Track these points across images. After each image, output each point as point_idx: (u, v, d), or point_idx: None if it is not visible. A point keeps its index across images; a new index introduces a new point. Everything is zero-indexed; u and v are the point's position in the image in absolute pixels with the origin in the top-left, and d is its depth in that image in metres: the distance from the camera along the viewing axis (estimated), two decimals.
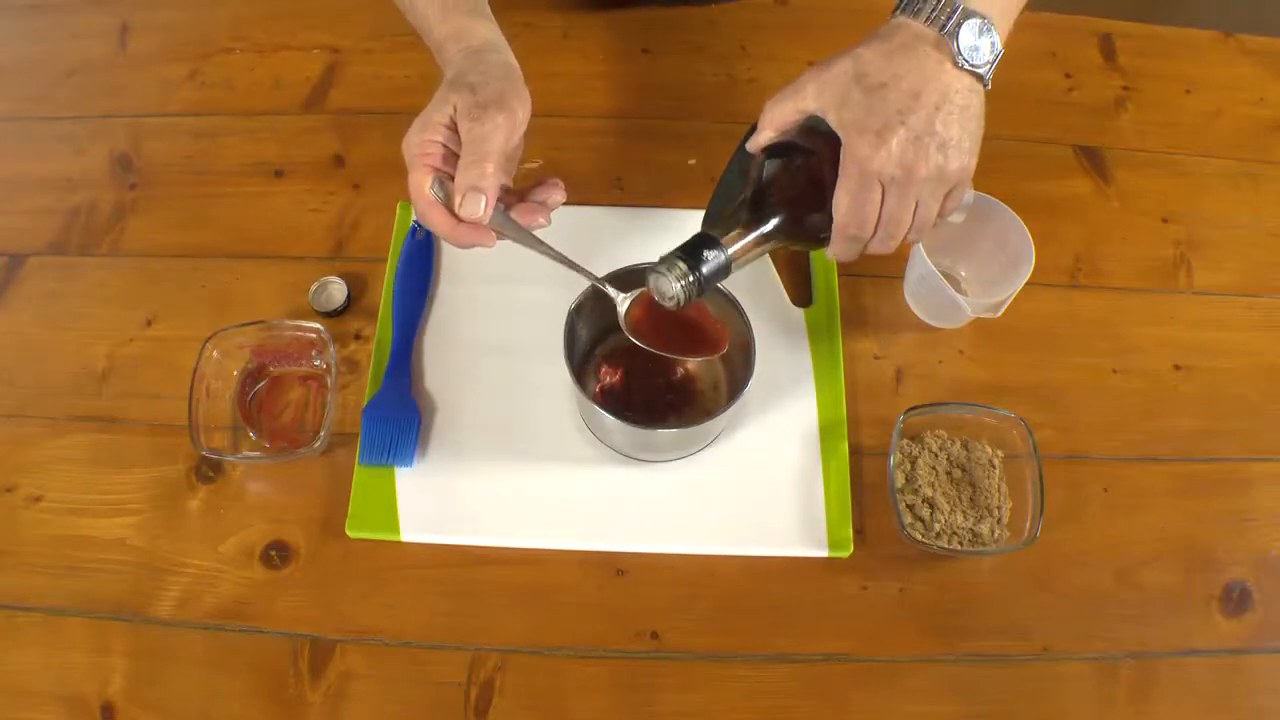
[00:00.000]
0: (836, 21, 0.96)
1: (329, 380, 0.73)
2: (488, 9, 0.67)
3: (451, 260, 0.80)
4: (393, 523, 0.69)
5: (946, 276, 0.77)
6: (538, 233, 0.62)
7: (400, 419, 0.72)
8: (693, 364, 0.75)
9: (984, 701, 0.66)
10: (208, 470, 0.72)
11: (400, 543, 0.69)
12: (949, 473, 0.72)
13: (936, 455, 0.72)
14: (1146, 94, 0.93)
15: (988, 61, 0.58)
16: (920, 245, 0.73)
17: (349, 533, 0.69)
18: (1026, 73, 0.94)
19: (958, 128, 0.58)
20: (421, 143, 0.60)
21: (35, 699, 0.65)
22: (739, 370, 0.69)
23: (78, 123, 0.88)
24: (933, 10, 0.57)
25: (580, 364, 0.73)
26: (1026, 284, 0.72)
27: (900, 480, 0.71)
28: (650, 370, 0.73)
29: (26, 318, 0.79)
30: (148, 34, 0.94)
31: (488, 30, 0.66)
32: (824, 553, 0.69)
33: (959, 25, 0.56)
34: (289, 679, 0.65)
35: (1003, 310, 0.74)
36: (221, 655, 0.66)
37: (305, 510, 0.71)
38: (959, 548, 0.69)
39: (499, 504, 0.70)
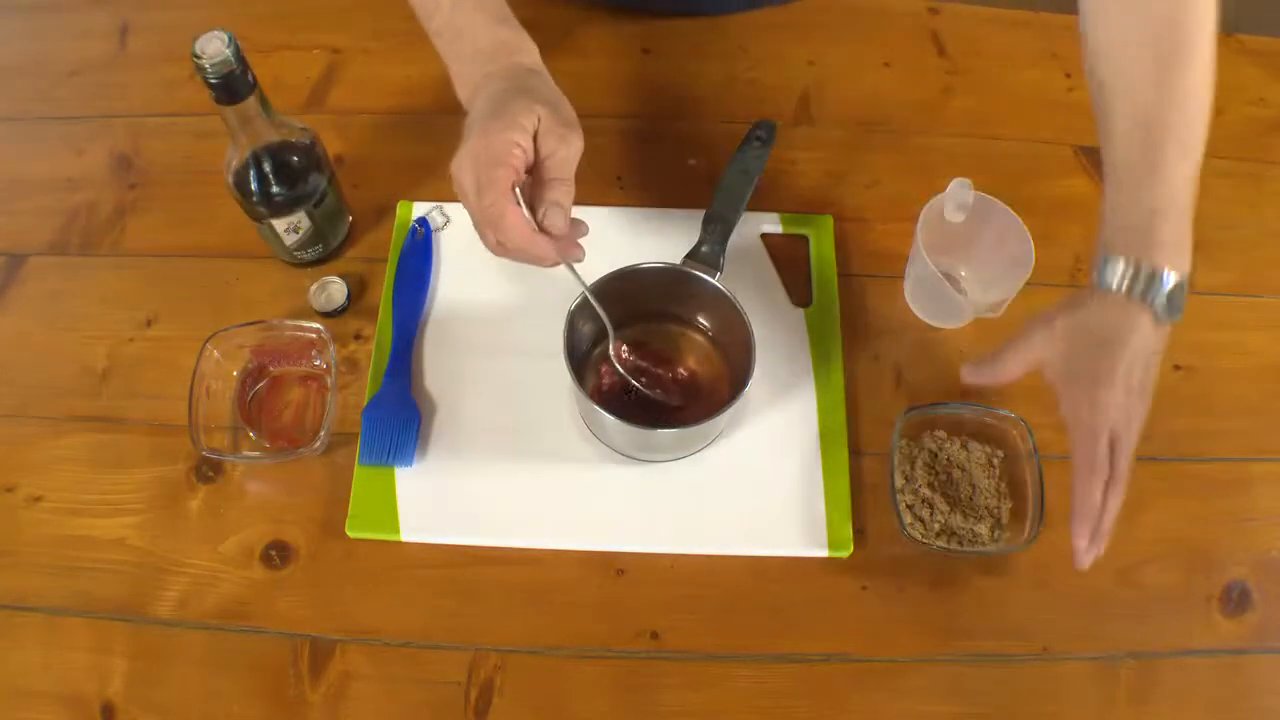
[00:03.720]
0: (836, 21, 0.96)
1: (329, 380, 0.73)
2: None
3: (451, 260, 0.80)
4: (393, 523, 0.69)
5: (946, 276, 0.77)
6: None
7: (400, 419, 0.72)
8: (692, 364, 0.75)
9: (984, 701, 0.66)
10: (208, 470, 0.72)
11: (400, 543, 0.69)
12: (949, 473, 0.72)
13: (936, 455, 0.72)
14: None
15: (1180, 308, 0.61)
16: (920, 245, 0.73)
17: (349, 533, 0.69)
18: (1026, 73, 0.94)
19: (1151, 376, 0.62)
20: (506, 141, 0.59)
21: (35, 699, 0.65)
22: (739, 370, 0.69)
23: (78, 123, 0.88)
24: (1130, 283, 0.60)
25: (580, 364, 0.73)
26: (1026, 284, 0.72)
27: (900, 481, 0.71)
28: (650, 370, 0.73)
29: (26, 318, 0.79)
30: (148, 34, 0.94)
31: (535, 50, 0.67)
32: (824, 553, 0.69)
33: (1156, 294, 0.60)
34: (289, 679, 0.65)
35: (1003, 310, 0.74)
36: (221, 655, 0.66)
37: (305, 510, 0.71)
38: (959, 548, 0.69)
39: (499, 504, 0.70)
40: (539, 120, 0.60)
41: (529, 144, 0.60)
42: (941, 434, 0.73)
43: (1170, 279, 0.59)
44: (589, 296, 0.66)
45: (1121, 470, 0.61)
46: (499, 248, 0.61)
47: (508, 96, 0.61)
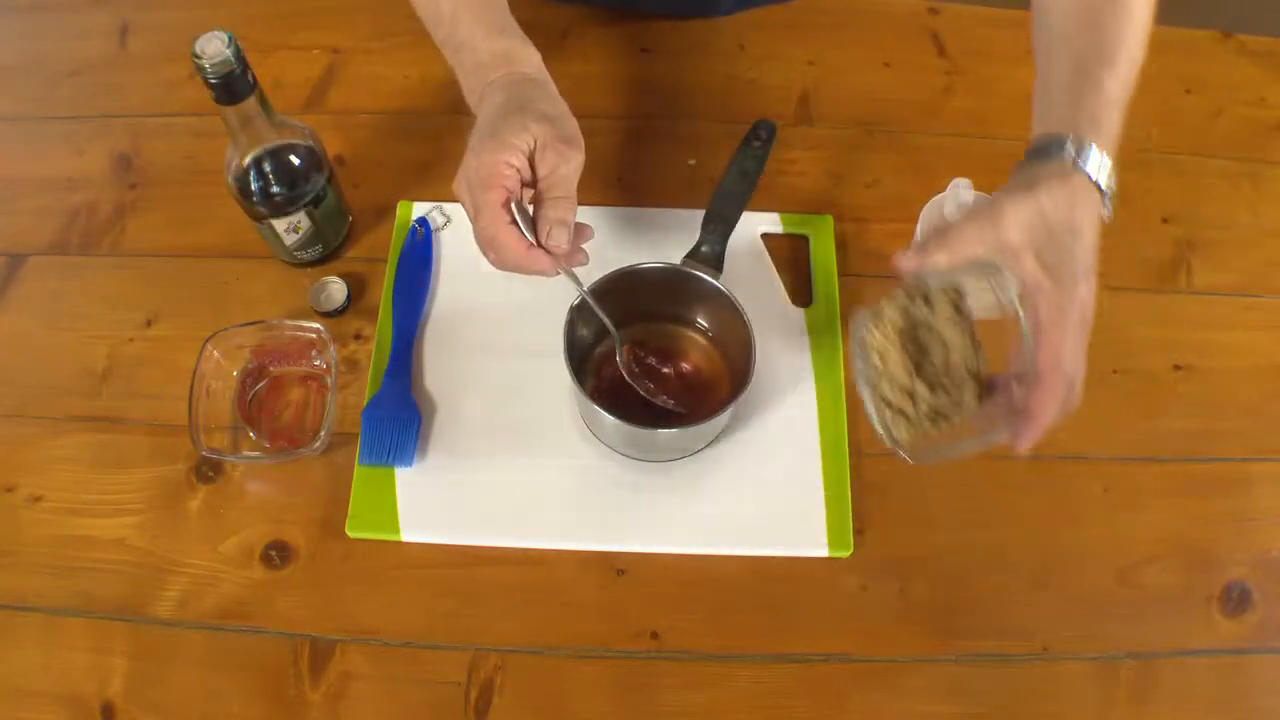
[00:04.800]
0: (837, 21, 0.96)
1: (329, 380, 0.73)
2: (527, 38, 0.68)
3: (451, 260, 0.80)
4: (393, 523, 0.69)
5: None
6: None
7: (400, 419, 0.72)
8: (692, 364, 0.75)
9: (984, 701, 0.66)
10: (208, 470, 0.72)
11: (400, 543, 0.69)
12: (915, 337, 0.61)
13: (903, 329, 0.61)
14: (1146, 94, 0.93)
15: (1112, 206, 0.60)
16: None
17: (349, 533, 0.69)
18: (1026, 73, 0.94)
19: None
20: (497, 163, 0.59)
21: (35, 699, 0.65)
22: (739, 370, 0.69)
23: (78, 123, 0.88)
24: (1096, 168, 0.58)
25: (580, 364, 0.73)
26: None
27: (874, 375, 0.61)
28: (650, 370, 0.73)
29: (26, 318, 0.79)
30: (148, 34, 0.94)
31: (537, 59, 0.66)
32: (824, 553, 0.69)
33: (1101, 171, 0.58)
34: (289, 679, 0.65)
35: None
36: (221, 655, 0.66)
37: (305, 510, 0.71)
38: (948, 421, 0.60)
39: (499, 504, 0.70)
40: (534, 139, 0.60)
41: (523, 162, 0.60)
42: (899, 295, 0.61)
43: (1108, 163, 0.58)
44: (592, 304, 0.66)
45: (1081, 376, 0.57)
46: (499, 263, 0.62)
47: (504, 113, 0.61)
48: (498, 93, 0.63)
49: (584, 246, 0.64)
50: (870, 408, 0.61)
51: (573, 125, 0.63)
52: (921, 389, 0.60)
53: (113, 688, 0.65)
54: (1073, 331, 0.56)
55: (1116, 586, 0.70)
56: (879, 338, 0.61)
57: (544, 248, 0.61)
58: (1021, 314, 0.56)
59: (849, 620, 0.68)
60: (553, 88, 0.65)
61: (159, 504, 0.71)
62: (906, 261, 0.58)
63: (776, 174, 0.85)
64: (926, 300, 0.61)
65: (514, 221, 0.60)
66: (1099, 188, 0.57)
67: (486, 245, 0.61)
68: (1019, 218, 0.56)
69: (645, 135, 0.89)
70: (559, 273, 0.62)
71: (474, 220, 0.60)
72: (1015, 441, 0.57)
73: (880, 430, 0.60)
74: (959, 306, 0.60)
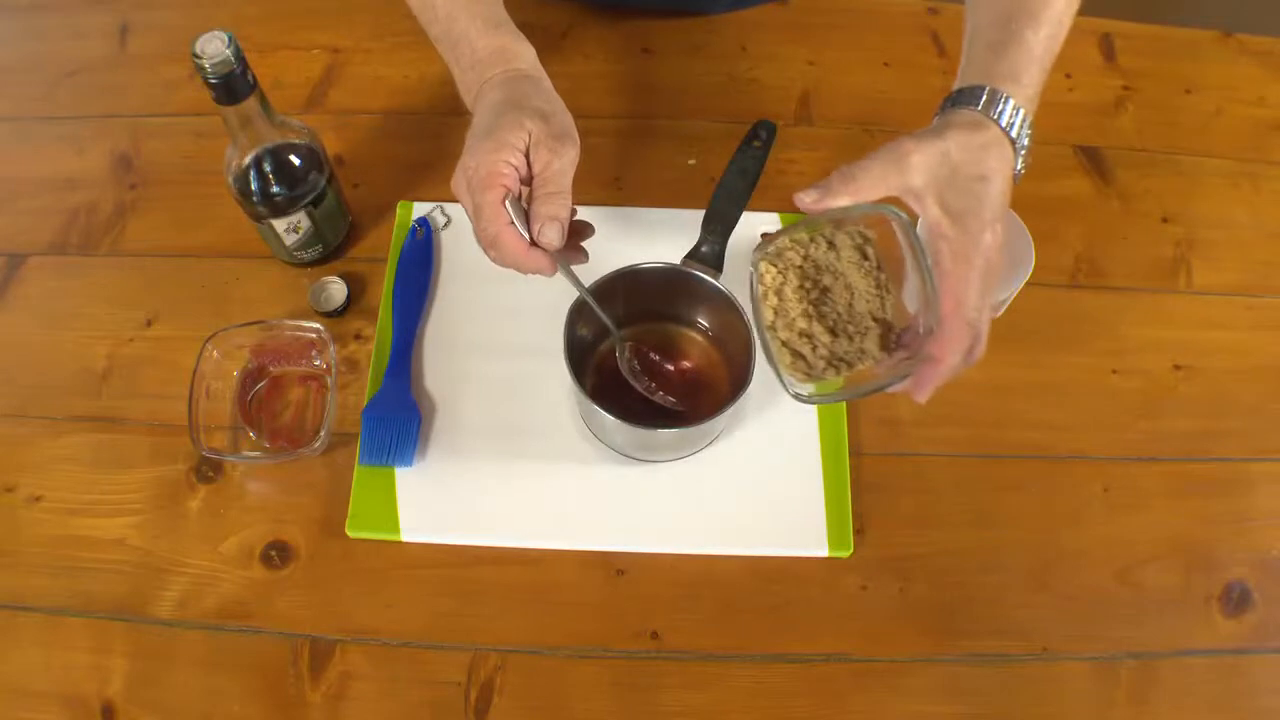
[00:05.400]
0: (836, 21, 0.96)
1: (329, 380, 0.73)
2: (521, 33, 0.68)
3: (451, 260, 0.80)
4: (393, 523, 0.69)
5: None
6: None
7: (400, 419, 0.72)
8: (693, 364, 0.75)
9: (984, 702, 0.66)
10: (208, 470, 0.72)
11: (400, 543, 0.69)
12: (818, 282, 0.60)
13: (803, 270, 0.60)
14: (1146, 94, 0.93)
15: (1026, 158, 0.59)
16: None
17: (349, 533, 0.69)
18: None
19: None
20: (495, 162, 0.59)
21: (35, 699, 0.65)
22: (739, 370, 0.69)
23: (78, 123, 0.88)
24: (1009, 119, 0.58)
25: (580, 363, 0.73)
26: (1026, 284, 0.72)
27: (769, 315, 0.59)
28: (651, 370, 0.73)
29: (26, 318, 0.79)
30: (148, 34, 0.94)
31: (532, 55, 0.66)
32: (824, 553, 0.69)
33: (1014, 123, 0.57)
34: (289, 679, 0.65)
35: (1003, 310, 0.74)
36: (221, 655, 0.66)
37: (305, 510, 0.71)
38: (849, 367, 0.59)
39: (499, 504, 0.70)
40: (529, 136, 0.60)
41: (520, 160, 0.60)
42: (802, 236, 0.59)
43: (1022, 114, 0.58)
44: (593, 304, 0.66)
45: (986, 327, 0.57)
46: (500, 261, 0.62)
47: (499, 111, 0.61)
48: (494, 90, 0.63)
49: (584, 245, 0.64)
50: (764, 349, 0.60)
51: (567, 120, 0.63)
52: (820, 332, 0.60)
53: (113, 688, 0.65)
54: (977, 277, 0.55)
55: (1116, 586, 0.70)
56: (775, 276, 0.60)
57: (537, 245, 0.61)
58: (925, 256, 0.55)
59: (849, 620, 0.68)
60: (548, 83, 0.65)
61: (159, 504, 0.71)
62: (808, 199, 0.56)
63: (776, 174, 0.85)
64: (831, 244, 0.59)
65: (513, 221, 0.60)
66: (1011, 140, 0.57)
67: (488, 245, 0.61)
68: (924, 161, 0.56)
69: (645, 135, 0.89)
70: (558, 272, 0.62)
71: (474, 220, 0.60)
72: (915, 389, 0.56)
73: (775, 373, 0.59)
74: (864, 251, 0.59)
